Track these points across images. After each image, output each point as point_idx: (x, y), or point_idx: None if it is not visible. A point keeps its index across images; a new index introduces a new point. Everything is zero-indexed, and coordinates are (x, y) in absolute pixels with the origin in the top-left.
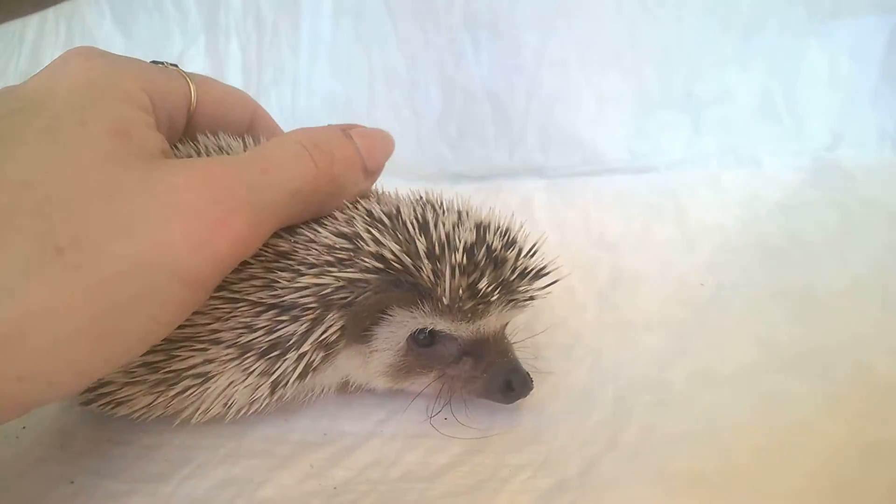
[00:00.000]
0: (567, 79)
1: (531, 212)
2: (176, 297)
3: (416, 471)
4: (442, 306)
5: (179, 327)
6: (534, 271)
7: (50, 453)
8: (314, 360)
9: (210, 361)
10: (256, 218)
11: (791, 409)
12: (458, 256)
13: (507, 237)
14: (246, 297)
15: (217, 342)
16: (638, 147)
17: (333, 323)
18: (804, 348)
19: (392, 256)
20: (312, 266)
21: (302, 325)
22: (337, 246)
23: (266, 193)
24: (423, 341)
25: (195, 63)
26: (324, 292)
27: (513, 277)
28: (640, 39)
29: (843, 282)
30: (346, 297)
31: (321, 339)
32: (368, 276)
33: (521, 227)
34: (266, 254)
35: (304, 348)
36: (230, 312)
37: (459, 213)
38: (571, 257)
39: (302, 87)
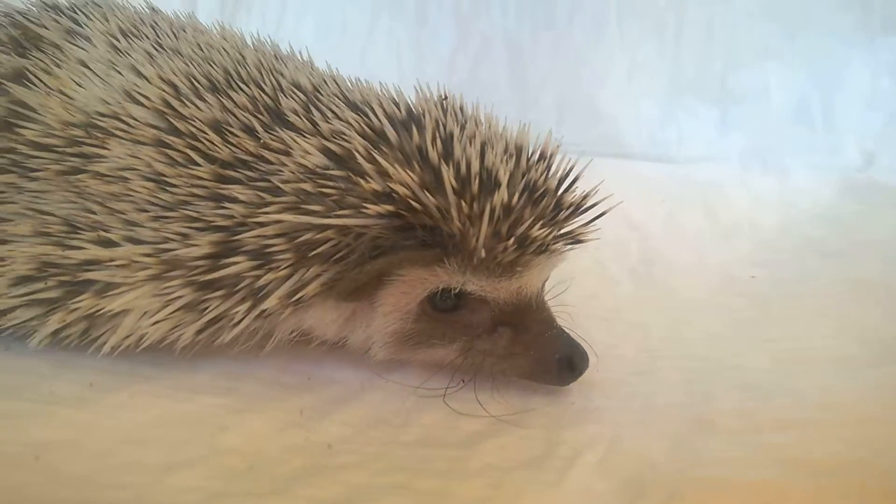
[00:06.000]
0: (600, 40)
1: None
2: None
3: (439, 435)
4: (475, 261)
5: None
6: (578, 204)
7: None
8: (271, 313)
9: (121, 266)
10: None
11: None
12: (500, 194)
13: (542, 161)
14: (182, 200)
15: (135, 240)
16: (660, 134)
17: (313, 279)
18: None
19: (405, 193)
20: (280, 192)
21: (263, 270)
22: (320, 170)
23: None
24: (445, 304)
25: None
26: (300, 238)
27: (558, 215)
28: (686, 12)
29: None
30: (336, 252)
31: (291, 293)
32: (370, 222)
33: (556, 143)
34: (220, 149)
35: (260, 305)
36: (158, 207)
37: (478, 124)
38: (596, 232)
39: (291, 4)
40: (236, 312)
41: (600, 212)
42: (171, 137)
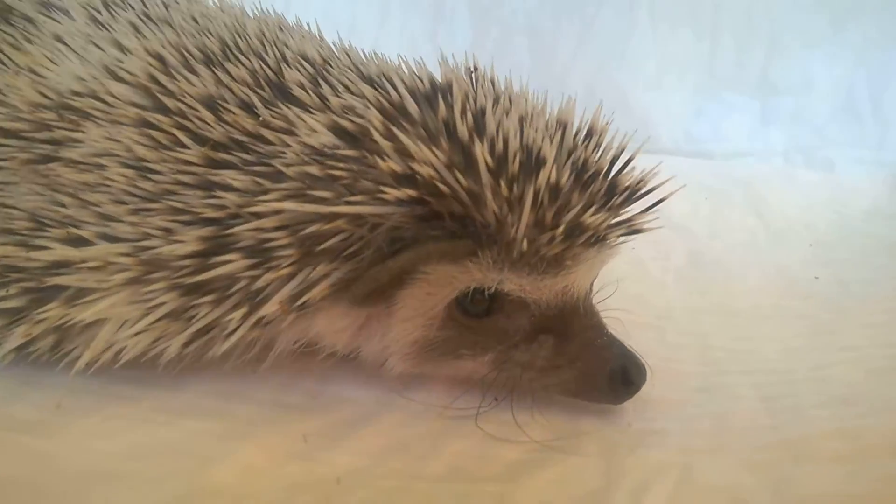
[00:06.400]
0: (631, 26)
1: None
2: None
3: (474, 467)
4: (514, 254)
5: None
6: (636, 187)
7: None
8: (271, 321)
9: (94, 269)
10: None
11: None
12: (545, 174)
13: (594, 141)
14: (166, 189)
15: (110, 237)
16: (696, 129)
17: (320, 279)
18: None
19: (430, 175)
20: (282, 177)
21: (261, 269)
22: (329, 150)
23: None
24: (476, 308)
25: None
26: (305, 231)
27: (612, 199)
28: None
29: None
30: (347, 247)
31: (294, 296)
32: (387, 210)
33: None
34: (212, 128)
35: (258, 311)
36: (138, 198)
37: (513, 98)
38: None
39: None
40: (230, 320)
41: (659, 196)
42: (156, 116)
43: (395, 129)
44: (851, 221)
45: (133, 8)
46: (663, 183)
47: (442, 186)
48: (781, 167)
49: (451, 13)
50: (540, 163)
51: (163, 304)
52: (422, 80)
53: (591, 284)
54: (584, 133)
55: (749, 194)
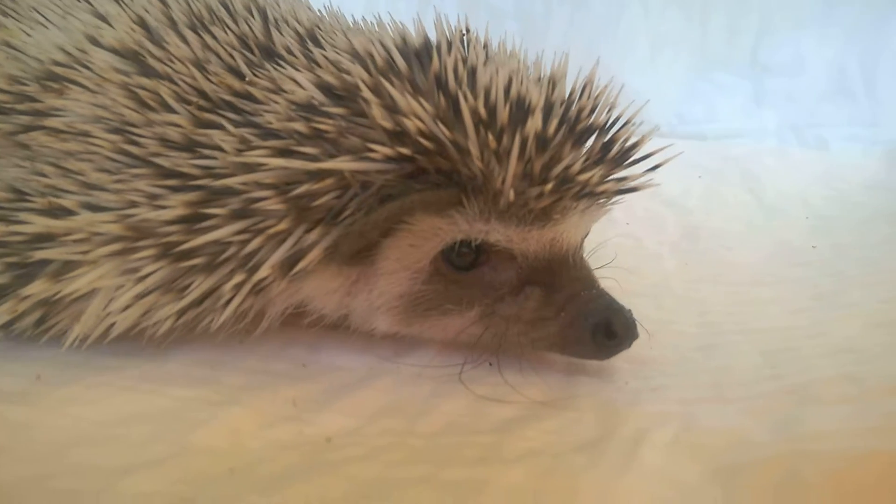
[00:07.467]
0: (622, 7)
1: None
2: None
3: (467, 423)
4: (501, 204)
5: None
6: (633, 146)
7: None
8: (264, 286)
9: (79, 240)
10: None
11: None
12: (533, 123)
13: (589, 96)
14: (153, 152)
15: (94, 207)
16: (688, 110)
17: (313, 243)
18: None
19: (418, 127)
20: (271, 134)
21: (251, 233)
22: (316, 103)
23: None
24: (462, 261)
25: None
26: (294, 191)
27: (608, 154)
28: None
29: None
30: (336, 205)
31: (288, 262)
32: (375, 167)
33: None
34: (199, 89)
35: (253, 276)
36: (123, 164)
37: (503, 59)
38: (626, 207)
39: None
40: (224, 288)
41: (656, 159)
42: (141, 79)
43: (383, 83)
44: (848, 195)
45: None
46: (661, 149)
47: (426, 142)
48: (775, 146)
49: None
50: (527, 112)
51: (152, 273)
52: (413, 39)
53: (583, 239)
54: (581, 89)
55: (743, 172)
